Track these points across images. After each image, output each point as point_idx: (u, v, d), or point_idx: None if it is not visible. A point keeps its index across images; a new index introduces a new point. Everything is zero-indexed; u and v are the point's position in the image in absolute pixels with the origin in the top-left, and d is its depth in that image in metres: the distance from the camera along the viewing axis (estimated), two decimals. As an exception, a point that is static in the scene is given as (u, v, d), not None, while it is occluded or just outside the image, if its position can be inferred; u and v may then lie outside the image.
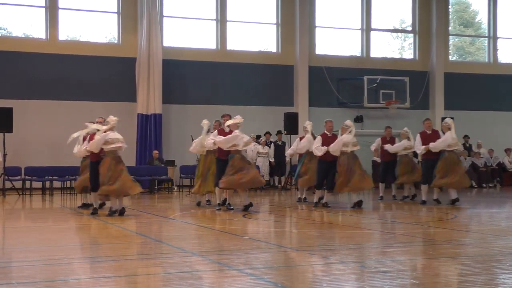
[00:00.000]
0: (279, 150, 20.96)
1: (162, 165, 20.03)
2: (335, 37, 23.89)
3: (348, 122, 13.74)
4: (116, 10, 21.31)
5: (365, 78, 22.88)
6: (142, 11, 20.80)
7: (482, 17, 26.05)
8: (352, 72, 23.28)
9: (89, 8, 21.31)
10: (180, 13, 22.17)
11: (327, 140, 13.65)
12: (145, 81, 20.73)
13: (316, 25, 23.34)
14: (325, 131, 13.86)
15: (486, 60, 25.76)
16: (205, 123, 13.71)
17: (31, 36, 21.14)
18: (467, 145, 23.33)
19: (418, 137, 14.18)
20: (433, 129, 14.34)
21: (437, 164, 13.62)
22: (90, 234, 9.81)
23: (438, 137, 13.94)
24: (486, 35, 25.80)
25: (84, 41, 21.48)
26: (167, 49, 21.37)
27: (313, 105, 22.80)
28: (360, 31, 23.96)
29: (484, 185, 22.12)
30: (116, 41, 21.54)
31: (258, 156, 20.90)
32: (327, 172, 13.48)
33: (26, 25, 21.23)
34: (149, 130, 20.78)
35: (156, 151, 20.32)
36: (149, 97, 20.81)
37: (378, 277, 6.25)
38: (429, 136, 14.01)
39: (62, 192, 18.95)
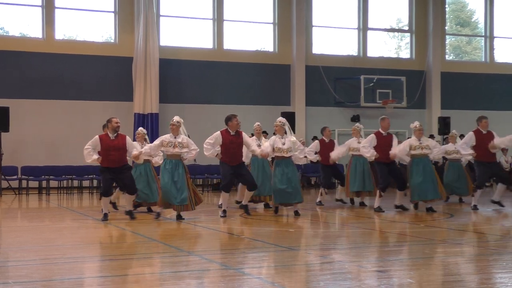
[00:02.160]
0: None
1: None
2: (332, 37, 23.91)
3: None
4: (112, 10, 21.29)
5: (362, 77, 22.89)
6: (138, 11, 20.79)
7: (479, 17, 26.10)
8: (349, 72, 23.29)
9: (86, 8, 21.29)
10: (177, 12, 22.16)
11: (383, 139, 12.58)
12: (142, 80, 20.71)
13: (313, 24, 23.35)
14: (380, 130, 12.69)
15: (483, 60, 25.80)
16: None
17: (27, 36, 21.11)
18: (464, 144, 23.34)
19: (471, 136, 12.81)
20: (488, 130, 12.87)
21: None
22: (87, 233, 9.80)
23: (493, 138, 12.61)
24: (483, 34, 25.84)
25: (80, 40, 21.46)
26: (164, 49, 21.36)
27: (310, 105, 22.81)
28: (357, 31, 23.98)
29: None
30: (112, 41, 21.52)
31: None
32: (391, 173, 12.52)
33: (23, 24, 21.21)
34: (146, 129, 20.69)
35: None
36: (146, 97, 20.80)
37: (375, 276, 6.26)
38: (484, 136, 12.66)
39: (59, 192, 18.95)
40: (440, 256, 7.56)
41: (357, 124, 14.32)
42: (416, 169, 12.24)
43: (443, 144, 16.64)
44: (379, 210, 12.26)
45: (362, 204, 14.16)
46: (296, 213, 11.61)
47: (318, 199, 14.23)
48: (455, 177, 14.54)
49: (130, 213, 11.35)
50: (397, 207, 12.64)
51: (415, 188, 12.25)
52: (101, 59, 20.90)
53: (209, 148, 11.47)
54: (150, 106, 20.81)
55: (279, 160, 11.50)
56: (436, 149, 12.60)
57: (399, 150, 12.36)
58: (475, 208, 12.83)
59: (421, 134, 12.42)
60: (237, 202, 13.15)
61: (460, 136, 23.15)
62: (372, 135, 12.64)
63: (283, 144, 11.43)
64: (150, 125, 20.78)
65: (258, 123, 13.27)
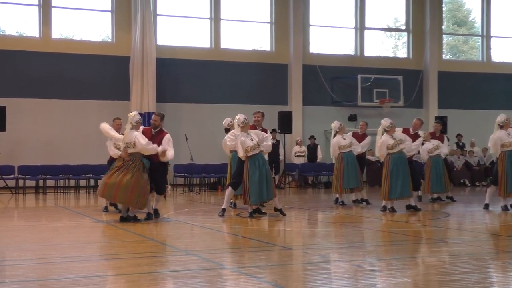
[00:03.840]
0: (273, 148, 20.90)
1: (156, 163, 19.97)
2: (329, 36, 23.90)
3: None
4: (109, 9, 21.25)
5: (359, 76, 22.90)
6: (135, 10, 20.76)
7: (475, 16, 26.12)
8: (346, 71, 23.30)
9: (83, 7, 21.24)
10: (174, 11, 22.14)
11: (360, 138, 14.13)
12: (139, 79, 20.69)
13: (310, 23, 23.34)
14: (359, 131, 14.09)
15: (480, 59, 25.83)
16: None
17: (24, 35, 21.07)
18: (460, 143, 23.42)
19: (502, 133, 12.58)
20: None
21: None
22: (84, 232, 9.79)
23: None
24: (479, 34, 25.87)
25: (77, 39, 21.43)
26: (161, 48, 21.34)
27: (307, 104, 22.81)
28: (354, 30, 23.99)
29: (477, 183, 22.20)
30: (109, 40, 21.50)
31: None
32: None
33: (20, 23, 21.17)
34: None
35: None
36: (142, 96, 20.78)
37: (372, 275, 6.27)
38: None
39: (56, 191, 18.92)
40: (437, 255, 7.57)
41: (336, 122, 14.22)
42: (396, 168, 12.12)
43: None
44: (392, 210, 12.23)
45: (357, 202, 14.18)
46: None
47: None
48: (438, 175, 14.48)
49: (150, 215, 11.05)
50: (409, 207, 12.53)
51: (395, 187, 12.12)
52: (98, 58, 20.88)
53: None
54: (147, 105, 20.79)
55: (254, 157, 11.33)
56: (407, 142, 12.46)
57: (380, 155, 12.38)
58: (486, 207, 12.75)
59: (394, 130, 12.31)
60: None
61: (457, 136, 23.30)
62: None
63: (251, 140, 11.29)
64: (147, 124, 20.71)
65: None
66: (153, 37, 20.92)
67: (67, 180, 19.18)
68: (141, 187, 10.44)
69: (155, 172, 11.01)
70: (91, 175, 19.29)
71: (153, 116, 11.59)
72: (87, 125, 20.63)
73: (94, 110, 20.71)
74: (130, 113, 11.11)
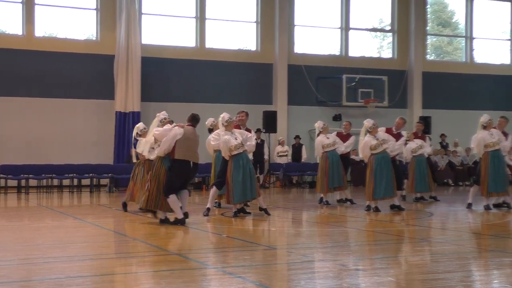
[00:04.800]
0: (258, 148, 20.94)
1: (140, 163, 19.90)
2: (314, 36, 23.94)
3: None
4: (94, 7, 21.14)
5: (344, 76, 22.96)
6: (120, 8, 20.67)
7: (459, 18, 26.28)
8: (331, 71, 23.35)
9: (67, 4, 21.11)
10: (159, 10, 22.06)
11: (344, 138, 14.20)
12: (124, 78, 20.60)
13: (296, 23, 23.36)
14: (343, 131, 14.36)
15: (463, 60, 25.98)
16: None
17: (7, 32, 20.90)
18: (444, 143, 23.55)
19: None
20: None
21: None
22: (67, 232, 9.73)
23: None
24: (463, 35, 26.03)
25: (61, 37, 21.28)
26: (146, 47, 21.26)
27: (292, 104, 22.83)
28: (339, 30, 24.03)
29: (461, 183, 22.34)
30: (94, 38, 21.39)
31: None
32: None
33: (2, 20, 20.97)
34: (127, 128, 20.65)
35: (134, 149, 20.15)
36: (127, 95, 20.69)
37: (356, 275, 6.29)
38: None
39: (38, 191, 18.77)
40: (420, 254, 7.61)
41: (320, 121, 14.27)
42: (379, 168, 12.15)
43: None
44: (376, 209, 12.25)
45: (341, 201, 14.21)
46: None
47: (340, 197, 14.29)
48: (422, 174, 14.54)
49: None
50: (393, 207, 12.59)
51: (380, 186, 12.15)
52: (83, 57, 20.75)
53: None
54: (132, 104, 20.71)
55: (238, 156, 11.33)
56: (390, 142, 12.50)
57: (364, 156, 12.40)
58: (488, 208, 12.62)
59: (377, 131, 12.34)
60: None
61: (440, 136, 23.44)
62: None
63: (236, 139, 11.27)
64: (132, 123, 20.66)
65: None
66: (138, 36, 20.83)
67: (50, 179, 19.04)
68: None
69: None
70: (74, 174, 19.18)
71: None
72: (71, 124, 20.53)
73: (78, 108, 20.60)
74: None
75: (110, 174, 19.18)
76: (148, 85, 21.18)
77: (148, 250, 7.86)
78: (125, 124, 20.70)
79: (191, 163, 10.04)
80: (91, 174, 19.22)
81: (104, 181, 19.49)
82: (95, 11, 21.14)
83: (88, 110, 20.77)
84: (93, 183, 19.21)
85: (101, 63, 20.82)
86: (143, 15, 21.64)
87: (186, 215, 10.04)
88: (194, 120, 10.41)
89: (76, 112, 20.59)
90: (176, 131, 10.08)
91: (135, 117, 20.70)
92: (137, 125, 12.58)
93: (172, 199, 9.88)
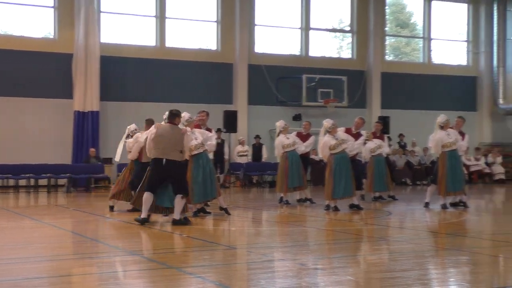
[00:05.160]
0: (218, 148, 20.90)
1: (99, 163, 19.73)
2: (275, 36, 24.01)
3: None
4: (52, 5, 20.83)
5: (304, 76, 23.07)
6: (79, 6, 20.39)
7: (417, 19, 26.65)
8: (291, 71, 23.44)
9: (24, 2, 20.75)
10: (118, 9, 21.84)
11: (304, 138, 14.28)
12: (82, 77, 20.35)
13: (256, 23, 23.39)
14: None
15: (421, 61, 26.36)
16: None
17: (-38, 30, 20.48)
18: (402, 143, 23.86)
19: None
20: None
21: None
22: (23, 233, 9.56)
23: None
24: (421, 36, 26.41)
25: (18, 35, 20.90)
26: (105, 45, 21.02)
27: (252, 103, 22.85)
28: (299, 30, 24.14)
29: (418, 182, 22.66)
30: (52, 36, 21.07)
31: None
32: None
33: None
34: (86, 127, 20.42)
35: (93, 149, 19.99)
36: (86, 94, 20.45)
37: (315, 274, 6.32)
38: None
39: (-5, 191, 18.42)
40: (378, 253, 7.70)
41: (281, 121, 14.34)
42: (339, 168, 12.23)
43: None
44: (335, 209, 12.36)
45: (301, 201, 14.29)
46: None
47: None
48: (380, 174, 14.70)
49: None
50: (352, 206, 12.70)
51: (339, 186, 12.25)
52: (40, 55, 20.42)
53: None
54: (91, 103, 20.47)
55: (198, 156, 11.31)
56: (349, 142, 12.61)
57: (323, 155, 12.46)
58: (427, 205, 12.99)
59: (336, 131, 12.42)
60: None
61: (399, 136, 23.74)
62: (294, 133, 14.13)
63: (196, 139, 11.24)
64: (91, 123, 20.46)
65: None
66: (97, 35, 20.60)
67: (6, 179, 18.70)
68: None
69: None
70: (31, 174, 18.86)
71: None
72: (28, 123, 20.21)
73: (35, 108, 20.29)
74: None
75: (68, 174, 18.91)
76: (107, 85, 20.96)
77: (107, 251, 7.78)
78: (83, 123, 20.45)
79: (164, 160, 9.93)
80: (48, 174, 18.93)
81: (62, 181, 19.21)
82: (52, 9, 20.83)
83: (45, 110, 20.45)
84: (51, 183, 18.93)
85: (59, 61, 20.52)
86: (102, 14, 21.39)
87: (176, 221, 9.86)
88: (170, 116, 10.30)
89: (33, 111, 20.27)
90: (144, 135, 10.12)
91: (94, 117, 20.49)
92: (128, 126, 12.49)
93: (145, 196, 9.89)
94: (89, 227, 10.38)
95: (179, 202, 9.91)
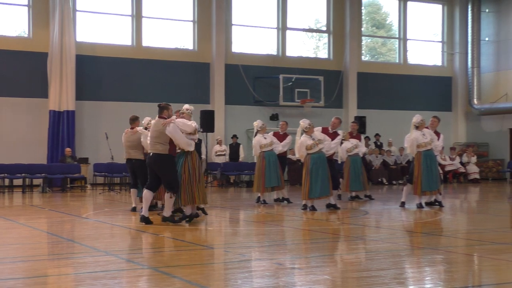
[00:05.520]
0: (196, 147, 20.83)
1: (75, 162, 19.58)
2: (252, 36, 24.02)
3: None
4: (26, 3, 20.62)
5: (281, 76, 23.12)
6: (54, 5, 20.21)
7: (393, 19, 26.84)
8: (268, 71, 23.47)
9: (-2, 0, 20.53)
10: (94, 7, 21.68)
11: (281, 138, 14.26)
12: (58, 77, 20.18)
13: (233, 23, 23.38)
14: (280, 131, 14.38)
15: (397, 61, 26.55)
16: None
17: None
18: (378, 143, 24.02)
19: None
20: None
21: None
22: (-2, 234, 9.45)
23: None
24: (397, 36, 26.60)
25: (-8, 34, 20.68)
26: (80, 45, 20.87)
27: (229, 103, 22.84)
28: (276, 30, 24.19)
29: (394, 182, 22.82)
30: (26, 35, 20.85)
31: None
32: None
33: None
34: (62, 127, 20.25)
35: (68, 149, 19.83)
36: (61, 93, 20.28)
37: (292, 273, 6.34)
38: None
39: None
40: (355, 252, 7.74)
41: (259, 121, 14.36)
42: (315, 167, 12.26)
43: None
44: (312, 209, 12.37)
45: (278, 200, 14.31)
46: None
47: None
48: (357, 173, 14.76)
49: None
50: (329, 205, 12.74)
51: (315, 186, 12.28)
52: (14, 54, 20.21)
53: None
54: (66, 103, 20.30)
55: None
56: (326, 142, 12.64)
57: (300, 155, 12.48)
58: (403, 204, 13.10)
59: (313, 131, 12.45)
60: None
61: (375, 136, 23.90)
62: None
63: None
64: (66, 122, 20.28)
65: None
66: (72, 33, 20.44)
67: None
68: None
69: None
70: (5, 174, 18.64)
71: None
72: (1, 123, 20.01)
73: (10, 107, 20.08)
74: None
75: (43, 174, 18.74)
76: (83, 84, 20.81)
77: (83, 251, 7.73)
78: (59, 123, 20.28)
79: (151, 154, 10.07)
80: (23, 174, 18.73)
81: (37, 181, 19.03)
82: (27, 8, 20.62)
83: (20, 109, 20.25)
84: (26, 183, 18.74)
85: (34, 60, 20.33)
86: (77, 12, 21.24)
87: (165, 218, 9.98)
88: (159, 110, 10.30)
89: (8, 110, 20.06)
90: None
91: (70, 116, 20.33)
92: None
93: (144, 194, 10.12)
94: (65, 228, 10.30)
95: (167, 199, 9.93)
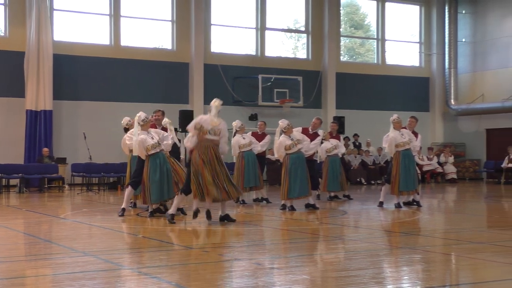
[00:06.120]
0: (174, 147, 20.75)
1: (53, 162, 19.42)
2: (231, 36, 24.01)
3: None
4: (2, 2, 20.41)
5: (260, 76, 23.13)
6: (30, 3, 20.03)
7: (371, 20, 26.99)
8: (247, 71, 23.47)
9: (-26, -1, 20.31)
10: (72, 6, 21.52)
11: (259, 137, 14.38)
12: (35, 76, 20.00)
13: (212, 23, 23.35)
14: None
15: (375, 62, 26.70)
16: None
17: None
18: (357, 143, 24.14)
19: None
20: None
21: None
22: (-26, 235, 9.35)
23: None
24: (375, 37, 26.75)
25: (-32, 33, 20.46)
26: (58, 44, 20.71)
27: (208, 103, 22.21)
28: (255, 30, 24.20)
29: (373, 182, 22.95)
30: (2, 34, 20.65)
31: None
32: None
33: None
34: (39, 126, 20.07)
35: (46, 149, 19.67)
36: (38, 93, 20.10)
37: (271, 273, 6.35)
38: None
39: None
40: (334, 252, 7.77)
41: (237, 121, 14.38)
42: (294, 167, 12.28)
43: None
44: (291, 209, 12.41)
45: (257, 200, 14.33)
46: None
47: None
48: (335, 174, 14.80)
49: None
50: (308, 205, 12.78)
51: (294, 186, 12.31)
52: (-10, 53, 20.02)
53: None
54: (43, 103, 20.13)
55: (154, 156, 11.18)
56: (305, 142, 12.67)
57: (279, 155, 12.48)
58: (381, 204, 13.19)
59: (291, 131, 12.47)
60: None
61: (353, 136, 24.01)
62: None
63: (152, 138, 11.16)
64: (44, 122, 20.11)
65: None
66: (49, 33, 20.27)
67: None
68: None
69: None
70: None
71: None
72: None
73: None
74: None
75: (20, 174, 18.56)
76: (61, 83, 20.65)
77: (61, 252, 7.67)
78: (36, 123, 20.11)
79: None
80: (0, 174, 18.55)
81: (14, 182, 18.85)
82: (3, 6, 20.41)
83: (-4, 108, 20.05)
84: (2, 184, 18.55)
85: (10, 59, 20.14)
86: (54, 11, 21.07)
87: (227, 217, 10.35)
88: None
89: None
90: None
91: (47, 116, 20.17)
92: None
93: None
94: (43, 228, 10.21)
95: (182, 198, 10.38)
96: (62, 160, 19.89)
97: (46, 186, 19.05)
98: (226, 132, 10.50)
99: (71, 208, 14.03)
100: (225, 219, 10.28)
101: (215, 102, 10.44)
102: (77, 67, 21.11)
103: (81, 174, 19.29)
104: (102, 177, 19.71)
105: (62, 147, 20.59)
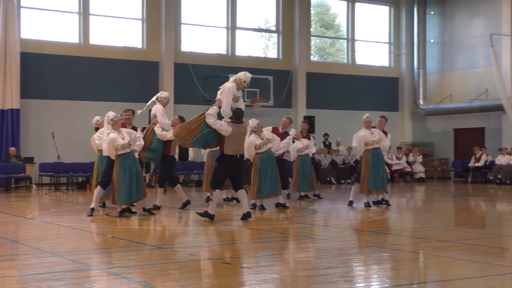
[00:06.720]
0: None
1: (20, 162, 19.16)
2: (201, 35, 23.94)
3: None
4: (-31, -1, 20.09)
5: (230, 76, 23.05)
6: (-2, 1, 19.75)
7: (341, 20, 27.14)
8: (217, 70, 23.41)
9: None
10: (40, 4, 21.24)
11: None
12: (1, 74, 19.71)
13: (182, 21, 23.25)
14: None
15: (345, 62, 26.86)
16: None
17: None
18: (327, 143, 24.26)
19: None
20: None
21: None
22: None
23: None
24: (345, 37, 26.90)
25: None
26: (25, 42, 20.43)
27: (178, 102, 22.70)
28: (225, 29, 24.17)
29: (343, 181, 23.08)
30: (-31, 31, 20.31)
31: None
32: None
33: None
34: (6, 125, 19.79)
35: (13, 148, 19.39)
36: (5, 92, 19.82)
37: (241, 272, 6.35)
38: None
39: None
40: (304, 251, 7.79)
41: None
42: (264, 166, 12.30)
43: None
44: (261, 208, 12.43)
45: (227, 200, 14.32)
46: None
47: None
48: (305, 173, 14.82)
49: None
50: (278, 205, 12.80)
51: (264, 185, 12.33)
52: (-44, 51, 19.67)
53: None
54: (11, 101, 19.85)
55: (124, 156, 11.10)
56: (275, 141, 12.69)
57: (249, 155, 12.47)
58: (350, 203, 13.26)
59: (262, 130, 12.49)
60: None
61: (324, 135, 24.13)
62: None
63: (123, 138, 11.06)
64: (11, 121, 19.84)
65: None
66: (16, 30, 20.00)
67: None
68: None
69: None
70: None
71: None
72: None
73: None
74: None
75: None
76: (28, 82, 20.38)
77: (28, 253, 7.57)
78: (3, 122, 19.82)
79: (238, 155, 10.57)
80: (-34, 174, 18.28)
81: (-19, 182, 18.56)
82: (-30, 3, 20.08)
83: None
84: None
85: (-23, 57, 19.81)
86: (22, 9, 20.77)
87: (248, 214, 10.59)
88: (235, 116, 11.43)
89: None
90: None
91: (14, 115, 19.89)
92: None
93: (217, 193, 10.48)
94: (9, 229, 10.07)
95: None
96: (30, 160, 19.63)
97: (13, 186, 18.77)
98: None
99: (38, 208, 13.86)
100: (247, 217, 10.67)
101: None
102: (45, 66, 20.85)
103: (49, 173, 19.07)
104: (70, 177, 19.51)
105: (29, 147, 20.32)
